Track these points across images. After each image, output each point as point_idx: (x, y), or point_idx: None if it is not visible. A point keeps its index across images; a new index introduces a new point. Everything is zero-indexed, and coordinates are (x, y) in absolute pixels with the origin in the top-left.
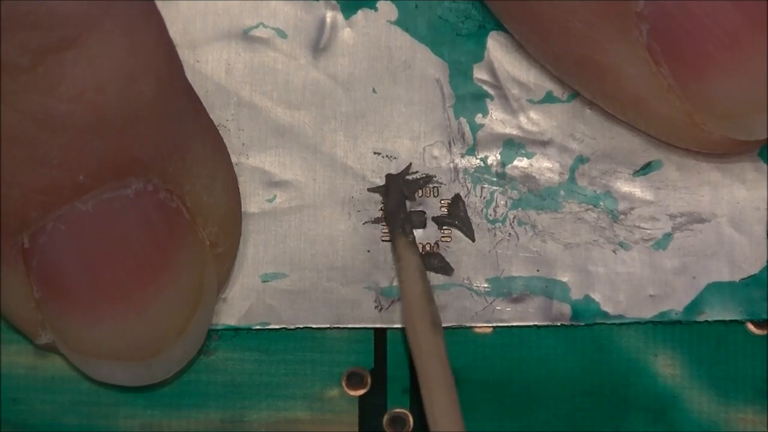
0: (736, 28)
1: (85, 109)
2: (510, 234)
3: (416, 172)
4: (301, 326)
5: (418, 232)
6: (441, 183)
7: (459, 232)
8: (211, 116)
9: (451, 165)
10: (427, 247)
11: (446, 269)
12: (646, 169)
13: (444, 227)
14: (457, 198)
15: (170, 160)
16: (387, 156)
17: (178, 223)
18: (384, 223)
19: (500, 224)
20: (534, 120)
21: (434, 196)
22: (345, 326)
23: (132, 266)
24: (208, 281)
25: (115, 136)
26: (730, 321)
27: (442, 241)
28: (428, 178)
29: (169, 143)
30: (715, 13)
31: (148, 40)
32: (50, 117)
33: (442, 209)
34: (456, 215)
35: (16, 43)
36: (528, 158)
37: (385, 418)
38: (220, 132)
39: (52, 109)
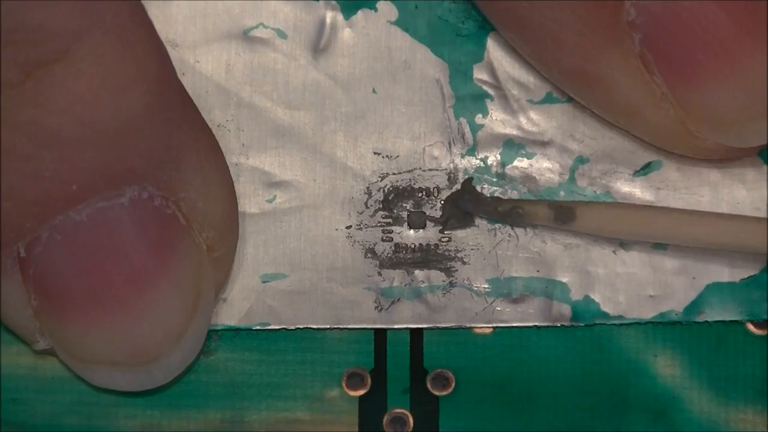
0: (727, 35)
1: (75, 121)
2: (510, 234)
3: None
4: (301, 327)
5: (418, 232)
6: (441, 184)
7: (459, 232)
8: (211, 117)
9: (451, 165)
10: (427, 248)
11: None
12: (646, 169)
13: (445, 230)
14: (467, 181)
15: (164, 167)
16: (387, 156)
17: (174, 229)
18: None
19: (500, 225)
20: (534, 120)
21: (434, 196)
22: (345, 327)
23: (128, 273)
24: (206, 285)
25: (108, 147)
26: (730, 321)
27: (442, 242)
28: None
29: (162, 151)
30: (706, 21)
31: (138, 49)
32: (41, 130)
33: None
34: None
35: (3, 58)
36: (528, 158)
37: (385, 418)
38: (220, 132)
39: (43, 122)
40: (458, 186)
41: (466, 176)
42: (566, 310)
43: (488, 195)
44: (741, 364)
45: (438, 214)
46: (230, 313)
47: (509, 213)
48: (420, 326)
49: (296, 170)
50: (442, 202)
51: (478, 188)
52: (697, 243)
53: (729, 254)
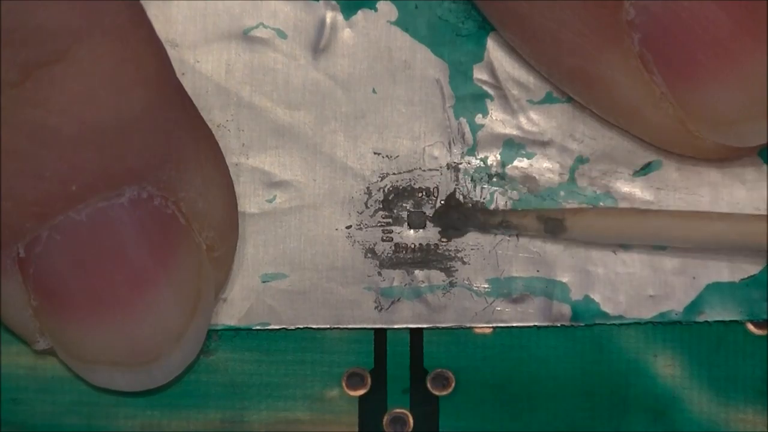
0: (727, 35)
1: (75, 121)
2: (510, 234)
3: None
4: (301, 326)
5: (418, 232)
6: (441, 184)
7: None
8: (211, 116)
9: (451, 165)
10: (427, 247)
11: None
12: (646, 169)
13: (443, 238)
14: (449, 199)
15: (164, 168)
16: (387, 156)
17: (173, 229)
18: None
19: None
20: (534, 120)
21: (434, 196)
22: (345, 327)
23: (128, 273)
24: (206, 285)
25: (107, 147)
26: (730, 321)
27: (442, 242)
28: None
29: (162, 151)
30: (706, 20)
31: (138, 49)
32: (41, 130)
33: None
34: (448, 220)
35: (3, 58)
36: (528, 158)
37: (385, 418)
38: (220, 132)
39: (43, 122)
40: (443, 200)
41: (467, 176)
42: (566, 309)
43: (477, 201)
44: (741, 364)
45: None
46: (230, 313)
47: (498, 225)
48: (420, 326)
49: (296, 170)
50: (430, 217)
51: (478, 188)
52: (691, 244)
53: (729, 254)
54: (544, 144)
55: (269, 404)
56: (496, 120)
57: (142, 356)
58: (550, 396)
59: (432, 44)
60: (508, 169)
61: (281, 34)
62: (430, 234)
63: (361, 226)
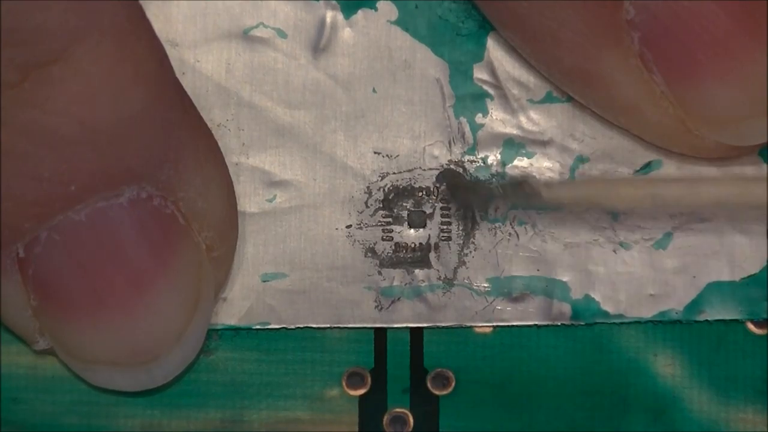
0: (726, 34)
1: (74, 121)
2: (510, 233)
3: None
4: (301, 326)
5: (418, 232)
6: (441, 184)
7: (459, 231)
8: (211, 116)
9: (452, 165)
10: (426, 246)
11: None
12: (646, 168)
13: (443, 225)
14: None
15: (163, 168)
16: (387, 155)
17: (173, 229)
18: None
19: (500, 224)
20: (534, 120)
21: (434, 195)
22: (345, 326)
23: (128, 273)
24: (205, 285)
25: (106, 148)
26: (730, 321)
27: (442, 241)
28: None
29: (161, 151)
30: (706, 20)
31: (137, 49)
32: (39, 131)
33: (444, 210)
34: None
35: (2, 59)
36: (528, 158)
37: (385, 418)
38: (220, 132)
39: (41, 123)
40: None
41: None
42: (566, 309)
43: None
44: (741, 364)
45: (438, 213)
46: (230, 313)
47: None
48: (420, 325)
49: (296, 170)
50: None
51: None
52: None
53: (729, 253)
54: (544, 143)
55: (269, 404)
56: (496, 119)
57: (142, 356)
58: (550, 396)
59: (432, 44)
60: (508, 169)
61: (281, 34)
62: (430, 233)
63: (361, 225)
